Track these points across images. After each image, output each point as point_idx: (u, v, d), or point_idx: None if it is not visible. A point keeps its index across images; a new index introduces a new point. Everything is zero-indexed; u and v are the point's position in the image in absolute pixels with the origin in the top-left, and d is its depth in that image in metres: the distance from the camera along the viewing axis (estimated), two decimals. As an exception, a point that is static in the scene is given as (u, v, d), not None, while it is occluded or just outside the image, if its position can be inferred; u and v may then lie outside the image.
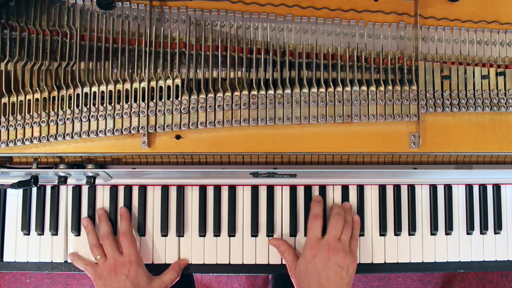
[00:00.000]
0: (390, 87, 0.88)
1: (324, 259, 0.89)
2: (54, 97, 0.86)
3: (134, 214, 1.00)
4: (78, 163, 0.92)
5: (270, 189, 1.01)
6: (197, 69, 0.87)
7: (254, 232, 1.00)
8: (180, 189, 1.00)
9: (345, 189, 1.02)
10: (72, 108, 0.85)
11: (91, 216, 0.99)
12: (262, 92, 0.87)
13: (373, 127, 0.88)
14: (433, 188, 1.03)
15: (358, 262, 0.99)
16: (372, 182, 1.02)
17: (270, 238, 0.99)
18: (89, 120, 0.86)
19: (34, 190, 1.00)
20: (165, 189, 1.00)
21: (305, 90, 0.87)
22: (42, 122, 0.85)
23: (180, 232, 0.99)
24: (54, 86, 0.86)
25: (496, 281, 1.86)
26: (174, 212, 1.00)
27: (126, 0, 0.87)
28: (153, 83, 0.86)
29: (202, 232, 1.00)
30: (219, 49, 0.87)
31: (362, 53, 0.89)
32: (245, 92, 0.87)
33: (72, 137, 0.85)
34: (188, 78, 0.87)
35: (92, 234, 0.96)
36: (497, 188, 1.04)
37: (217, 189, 1.01)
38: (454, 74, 0.89)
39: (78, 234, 1.00)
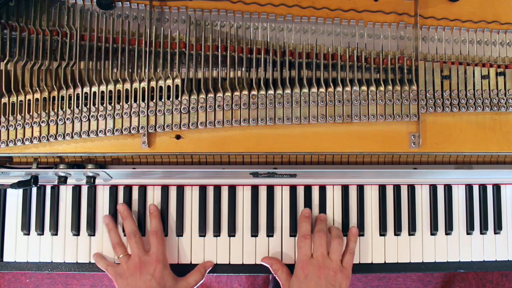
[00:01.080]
0: (390, 87, 0.88)
1: (316, 278, 0.88)
2: (54, 97, 0.86)
3: (134, 214, 1.00)
4: (78, 163, 0.92)
5: (270, 189, 1.01)
6: (197, 69, 0.87)
7: (254, 232, 1.00)
8: (180, 189, 1.00)
9: (345, 189, 1.02)
10: (72, 108, 0.85)
11: (91, 215, 0.99)
12: (262, 92, 0.87)
13: (373, 127, 0.88)
14: (433, 188, 1.03)
15: (358, 262, 1.00)
16: (372, 182, 1.02)
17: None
18: (89, 120, 0.86)
19: (34, 190, 1.00)
20: (165, 189, 1.00)
21: (305, 90, 0.87)
22: (42, 122, 0.85)
23: (180, 232, 0.99)
24: (54, 86, 0.86)
25: (496, 281, 1.86)
26: (174, 212, 1.00)
27: (126, 0, 0.87)
28: (153, 83, 0.86)
29: (202, 232, 1.00)
30: (219, 49, 0.87)
31: (362, 53, 0.89)
32: (245, 92, 0.87)
33: (72, 137, 0.85)
34: (188, 78, 0.87)
35: (114, 232, 0.96)
36: (497, 188, 1.04)
37: (217, 189, 1.01)
38: (454, 74, 0.89)
39: (78, 234, 1.00)
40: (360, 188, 1.02)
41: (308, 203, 1.01)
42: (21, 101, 0.86)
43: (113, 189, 1.00)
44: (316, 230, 0.95)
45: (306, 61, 0.88)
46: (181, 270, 0.97)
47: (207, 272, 0.97)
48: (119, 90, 0.86)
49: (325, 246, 0.93)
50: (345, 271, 0.92)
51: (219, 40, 0.87)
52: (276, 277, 0.95)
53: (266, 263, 0.97)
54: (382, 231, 1.01)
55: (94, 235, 0.99)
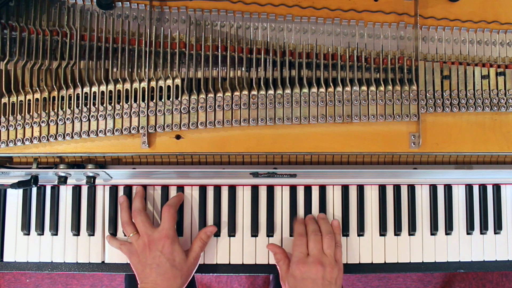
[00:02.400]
0: (390, 87, 0.88)
1: (313, 276, 0.89)
2: (54, 97, 0.86)
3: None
4: (78, 163, 0.92)
5: (270, 189, 1.01)
6: (197, 69, 0.87)
7: (254, 232, 1.00)
8: (180, 189, 1.00)
9: (345, 189, 1.02)
10: (72, 108, 0.85)
11: (91, 215, 0.99)
12: (262, 92, 0.87)
13: (373, 127, 0.88)
14: (433, 188, 1.03)
15: (358, 262, 1.00)
16: (372, 182, 1.02)
17: (268, 243, 0.99)
18: (89, 120, 0.86)
19: (34, 190, 1.00)
20: (165, 189, 1.00)
21: (305, 90, 0.87)
22: (42, 122, 0.85)
23: (180, 232, 0.99)
24: (54, 86, 0.86)
25: (496, 281, 1.86)
26: (174, 212, 1.00)
27: (126, 0, 0.87)
28: (153, 83, 0.86)
29: (202, 232, 1.00)
30: (219, 49, 0.87)
31: (362, 53, 0.89)
32: (245, 92, 0.87)
33: (72, 137, 0.85)
34: (188, 78, 0.87)
35: (125, 212, 0.96)
36: (497, 188, 1.04)
37: (217, 189, 1.01)
38: (454, 74, 0.89)
39: (78, 234, 1.00)
40: (360, 188, 1.02)
41: (308, 203, 1.01)
42: (21, 101, 0.86)
43: (113, 189, 1.00)
44: (310, 231, 0.95)
45: (306, 61, 0.88)
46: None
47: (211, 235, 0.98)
48: (119, 90, 0.86)
49: (320, 243, 0.94)
50: (338, 264, 0.93)
51: (219, 40, 0.87)
52: (277, 266, 0.96)
53: (271, 249, 0.98)
54: (382, 231, 1.01)
55: (94, 235, 0.99)
